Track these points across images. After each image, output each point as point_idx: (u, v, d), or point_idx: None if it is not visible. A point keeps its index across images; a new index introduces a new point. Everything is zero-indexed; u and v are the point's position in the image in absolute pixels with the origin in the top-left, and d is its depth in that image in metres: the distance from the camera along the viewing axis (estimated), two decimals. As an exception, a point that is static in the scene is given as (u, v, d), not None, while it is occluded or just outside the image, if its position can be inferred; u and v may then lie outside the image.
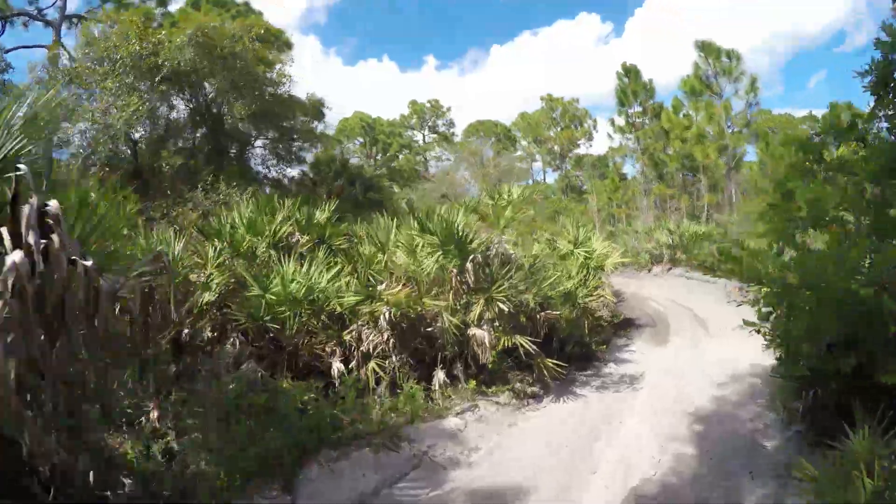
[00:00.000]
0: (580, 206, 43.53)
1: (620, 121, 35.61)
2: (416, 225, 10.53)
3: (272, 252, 12.88)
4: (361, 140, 65.96)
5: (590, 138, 57.71)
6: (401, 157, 64.63)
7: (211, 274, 11.58)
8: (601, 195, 46.94)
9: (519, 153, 63.40)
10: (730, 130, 28.54)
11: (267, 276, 11.38)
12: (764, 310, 7.51)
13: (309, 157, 29.54)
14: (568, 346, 12.76)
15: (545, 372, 10.54)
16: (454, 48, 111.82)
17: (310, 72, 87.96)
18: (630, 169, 53.16)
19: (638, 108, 34.64)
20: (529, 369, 10.96)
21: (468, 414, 10.11)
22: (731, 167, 25.50)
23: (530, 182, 58.50)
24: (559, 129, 56.51)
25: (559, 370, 10.75)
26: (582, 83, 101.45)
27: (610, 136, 36.39)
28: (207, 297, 11.39)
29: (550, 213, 37.28)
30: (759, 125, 30.99)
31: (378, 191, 31.15)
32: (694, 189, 32.50)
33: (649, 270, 28.78)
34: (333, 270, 11.56)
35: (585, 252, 14.52)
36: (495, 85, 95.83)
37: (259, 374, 10.56)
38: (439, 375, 9.58)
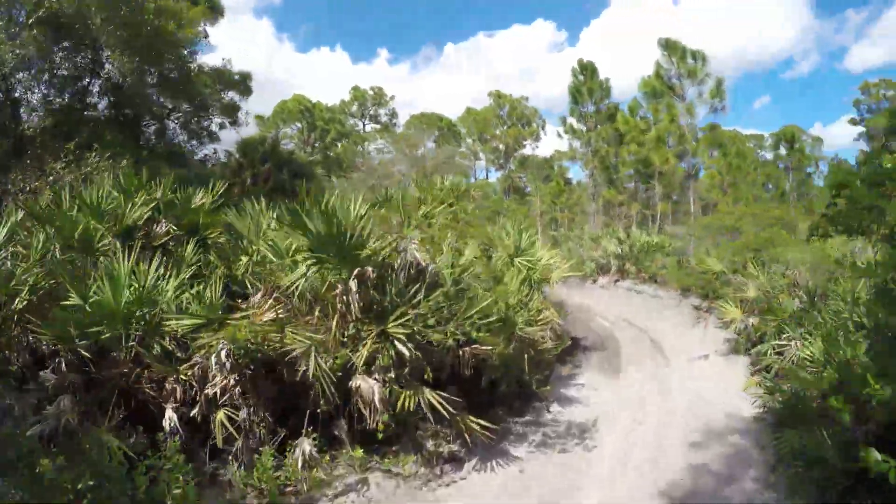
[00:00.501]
0: (522, 209, 40.90)
1: (573, 120, 33.08)
2: (287, 217, 7.14)
3: (118, 244, 9.35)
4: (299, 125, 62.19)
5: (537, 139, 55.42)
6: (339, 145, 61.00)
7: (12, 273, 8.18)
8: (545, 198, 44.63)
9: (462, 150, 60.61)
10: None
11: (101, 278, 7.93)
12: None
13: (234, 136, 25.70)
14: (501, 386, 9.68)
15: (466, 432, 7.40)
16: (408, 43, 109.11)
17: (262, 55, 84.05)
18: (577, 173, 51.08)
19: (592, 108, 32.13)
20: (448, 421, 7.77)
21: (352, 496, 6.88)
22: (690, 174, 23.07)
23: (473, 180, 55.72)
24: (506, 127, 53.80)
25: (487, 433, 7.63)
26: (533, 87, 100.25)
27: (560, 135, 33.81)
28: (17, 303, 7.99)
29: (489, 214, 34.45)
30: (707, 138, 29.00)
31: (309, 178, 27.65)
32: (646, 197, 30.17)
33: (594, 281, 26.22)
34: (183, 274, 8.17)
35: (528, 262, 11.51)
36: (447, 83, 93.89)
37: (63, 421, 7.27)
38: (303, 446, 6.29)
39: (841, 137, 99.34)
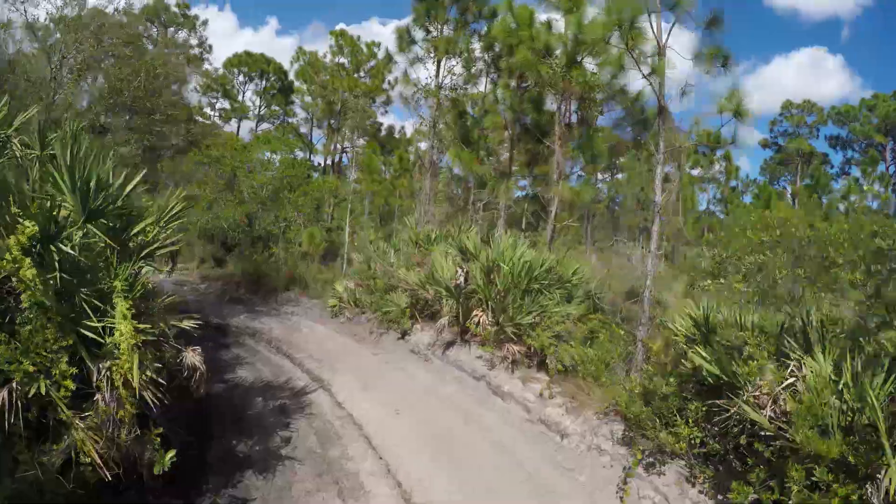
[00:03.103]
0: (330, 185, 26.09)
1: (419, 32, 18.02)
2: None
3: None
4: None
5: (387, 102, 40.03)
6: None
7: None
8: (376, 179, 29.82)
9: (297, 107, 44.15)
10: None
11: None
12: None
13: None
14: None
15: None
16: (299, 15, 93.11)
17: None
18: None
19: (455, 14, 17.36)
20: None
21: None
22: (663, 107, 8.38)
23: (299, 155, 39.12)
24: (343, 77, 38.07)
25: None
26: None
27: (392, 58, 18.56)
28: None
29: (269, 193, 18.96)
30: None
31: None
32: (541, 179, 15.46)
33: (404, 335, 11.31)
34: None
35: None
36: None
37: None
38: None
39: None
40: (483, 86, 16.95)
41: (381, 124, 41.60)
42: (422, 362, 10.53)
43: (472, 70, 16.91)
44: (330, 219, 28.19)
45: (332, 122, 39.34)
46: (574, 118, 13.25)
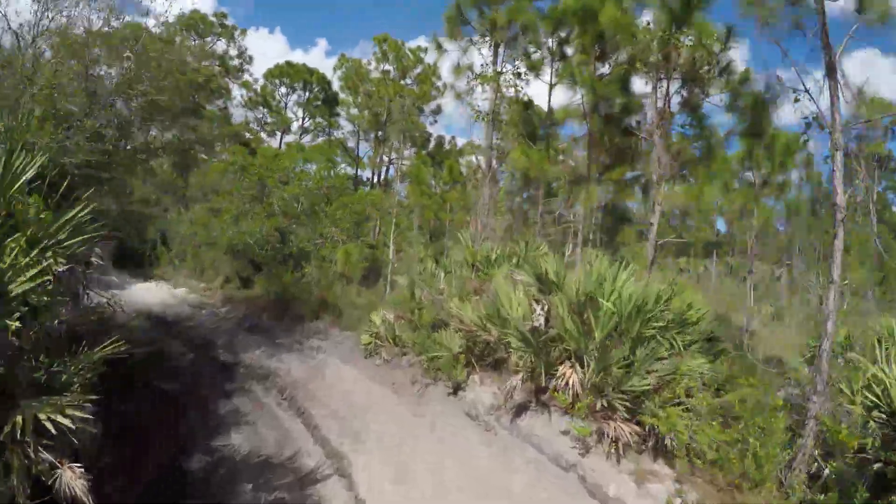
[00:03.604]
0: (373, 197, 23.73)
1: (472, 15, 15.32)
2: None
3: None
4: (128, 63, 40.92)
5: (437, 112, 37.38)
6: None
7: None
8: (425, 192, 27.28)
9: (341, 121, 41.90)
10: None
11: None
12: None
13: None
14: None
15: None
16: (348, 36, 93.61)
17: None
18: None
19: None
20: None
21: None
22: (832, 85, 5.19)
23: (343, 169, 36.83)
24: (389, 84, 35.71)
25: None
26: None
27: (439, 45, 15.94)
28: None
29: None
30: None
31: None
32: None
33: (456, 390, 8.49)
34: None
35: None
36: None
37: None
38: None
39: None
40: (548, 76, 14.06)
41: (430, 135, 38.90)
42: (481, 432, 7.60)
43: (536, 56, 14.09)
44: (376, 233, 25.73)
45: (379, 133, 37.08)
46: (674, 101, 10.22)
